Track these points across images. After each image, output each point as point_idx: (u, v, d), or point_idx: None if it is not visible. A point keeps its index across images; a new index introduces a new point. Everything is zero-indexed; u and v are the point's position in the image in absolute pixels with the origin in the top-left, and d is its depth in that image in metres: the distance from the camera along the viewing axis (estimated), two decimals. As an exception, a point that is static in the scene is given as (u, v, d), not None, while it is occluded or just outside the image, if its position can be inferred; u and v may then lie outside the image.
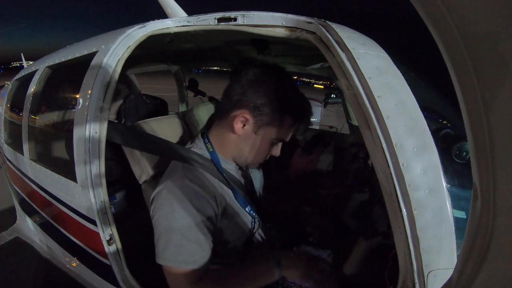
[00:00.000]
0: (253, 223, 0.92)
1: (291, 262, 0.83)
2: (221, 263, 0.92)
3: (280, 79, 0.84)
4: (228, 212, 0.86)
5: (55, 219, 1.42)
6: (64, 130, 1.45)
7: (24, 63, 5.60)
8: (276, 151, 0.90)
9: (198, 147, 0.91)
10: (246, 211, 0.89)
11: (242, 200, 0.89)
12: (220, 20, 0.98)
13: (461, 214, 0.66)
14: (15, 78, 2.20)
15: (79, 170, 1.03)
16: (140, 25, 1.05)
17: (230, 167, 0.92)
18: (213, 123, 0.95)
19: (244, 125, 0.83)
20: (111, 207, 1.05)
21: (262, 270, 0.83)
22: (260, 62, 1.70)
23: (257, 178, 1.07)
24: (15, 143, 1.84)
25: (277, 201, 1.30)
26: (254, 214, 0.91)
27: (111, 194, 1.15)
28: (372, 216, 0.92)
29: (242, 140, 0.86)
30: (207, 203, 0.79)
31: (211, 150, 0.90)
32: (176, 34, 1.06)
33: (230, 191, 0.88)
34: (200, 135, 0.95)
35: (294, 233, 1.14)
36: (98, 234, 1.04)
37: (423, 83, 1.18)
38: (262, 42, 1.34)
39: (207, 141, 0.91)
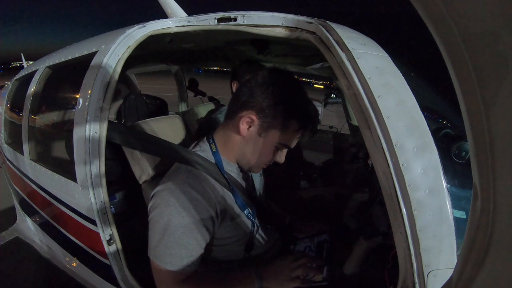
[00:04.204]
0: (253, 226, 0.92)
1: (273, 274, 0.83)
2: (221, 266, 0.92)
3: (288, 83, 0.83)
4: (228, 216, 0.86)
5: (55, 219, 1.42)
6: (64, 130, 1.45)
7: (24, 63, 5.59)
8: (281, 157, 0.89)
9: (202, 149, 0.91)
10: (245, 213, 0.89)
11: (241, 203, 0.89)
12: (220, 20, 0.98)
13: (461, 214, 0.66)
14: (15, 78, 2.20)
15: (79, 170, 1.03)
16: (140, 25, 1.05)
17: (231, 169, 0.92)
18: (220, 124, 0.95)
19: (249, 127, 0.83)
20: (111, 207, 1.05)
21: (242, 280, 0.83)
22: (261, 63, 1.70)
23: (258, 180, 1.07)
24: (15, 143, 1.84)
25: (276, 203, 1.30)
26: (252, 217, 0.91)
27: (111, 194, 1.15)
28: (372, 216, 0.92)
29: (247, 142, 0.85)
30: (206, 211, 0.79)
31: (214, 150, 0.89)
32: (176, 34, 1.06)
33: (230, 194, 0.87)
34: (205, 137, 0.95)
35: (294, 234, 1.14)
36: (98, 234, 1.04)
37: (423, 83, 1.18)
38: (262, 42, 1.34)
39: (211, 141, 0.91)
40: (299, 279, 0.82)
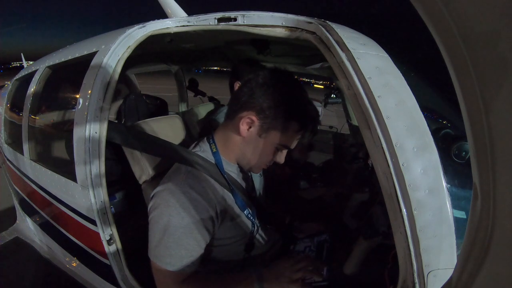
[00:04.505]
0: (253, 226, 0.92)
1: (274, 276, 0.83)
2: (221, 266, 0.92)
3: (289, 84, 0.83)
4: (228, 216, 0.86)
5: (55, 219, 1.42)
6: (64, 130, 1.45)
7: (24, 63, 5.60)
8: (280, 158, 0.89)
9: (202, 150, 0.91)
10: (245, 214, 0.89)
11: (241, 204, 0.89)
12: (220, 20, 0.98)
13: (461, 214, 0.66)
14: (15, 78, 2.20)
15: (79, 170, 1.03)
16: (140, 25, 1.05)
17: (231, 169, 0.92)
18: (220, 124, 0.95)
19: (249, 127, 0.82)
20: (111, 207, 1.05)
21: (242, 281, 0.83)
22: (260, 62, 1.70)
23: (258, 180, 1.07)
24: (15, 143, 1.84)
25: (276, 203, 1.30)
26: (252, 217, 0.91)
27: (111, 194, 1.15)
28: (372, 216, 0.92)
29: (247, 143, 0.85)
30: (206, 211, 0.79)
31: (214, 150, 0.89)
32: (176, 34, 1.06)
33: (230, 194, 0.87)
34: (205, 138, 0.95)
35: (293, 234, 1.14)
36: (98, 234, 1.04)
37: (423, 83, 1.18)
38: (262, 42, 1.34)
39: (211, 142, 0.91)
40: (299, 281, 0.82)
